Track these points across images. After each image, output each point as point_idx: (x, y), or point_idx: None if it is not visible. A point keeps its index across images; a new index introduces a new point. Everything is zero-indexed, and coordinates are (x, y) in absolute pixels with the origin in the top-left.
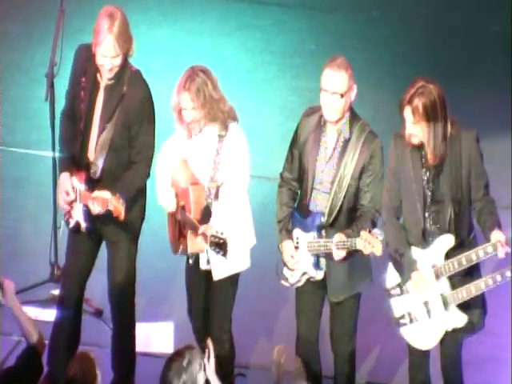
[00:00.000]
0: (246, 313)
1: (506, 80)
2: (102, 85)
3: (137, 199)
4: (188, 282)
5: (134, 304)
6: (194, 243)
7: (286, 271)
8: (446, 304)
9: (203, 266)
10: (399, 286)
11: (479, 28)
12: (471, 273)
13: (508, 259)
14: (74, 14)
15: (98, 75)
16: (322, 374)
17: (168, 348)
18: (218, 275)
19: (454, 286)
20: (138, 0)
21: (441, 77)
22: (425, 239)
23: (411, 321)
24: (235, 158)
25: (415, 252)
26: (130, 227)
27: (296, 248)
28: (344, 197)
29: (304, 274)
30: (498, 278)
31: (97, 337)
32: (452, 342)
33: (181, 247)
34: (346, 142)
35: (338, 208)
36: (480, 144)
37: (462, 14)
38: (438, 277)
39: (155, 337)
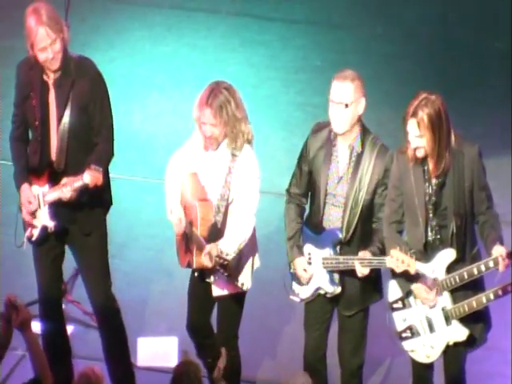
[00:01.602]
0: (251, 329)
1: (508, 97)
2: (51, 82)
3: (102, 186)
4: (191, 294)
5: (117, 308)
6: (200, 260)
7: (295, 286)
8: (447, 318)
9: (208, 278)
10: (401, 299)
11: (483, 45)
12: (474, 287)
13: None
14: (79, 29)
15: (45, 76)
16: None
17: (172, 363)
18: (217, 292)
19: (455, 300)
20: (143, 16)
21: (444, 94)
22: (427, 253)
23: (413, 335)
24: (247, 179)
25: (417, 266)
26: (97, 218)
27: (309, 264)
28: (360, 212)
29: (318, 289)
30: (500, 292)
31: (99, 350)
32: (454, 356)
33: (187, 261)
34: (359, 156)
35: (354, 224)
36: (483, 161)
37: (465, 30)
38: (439, 291)
39: (159, 351)
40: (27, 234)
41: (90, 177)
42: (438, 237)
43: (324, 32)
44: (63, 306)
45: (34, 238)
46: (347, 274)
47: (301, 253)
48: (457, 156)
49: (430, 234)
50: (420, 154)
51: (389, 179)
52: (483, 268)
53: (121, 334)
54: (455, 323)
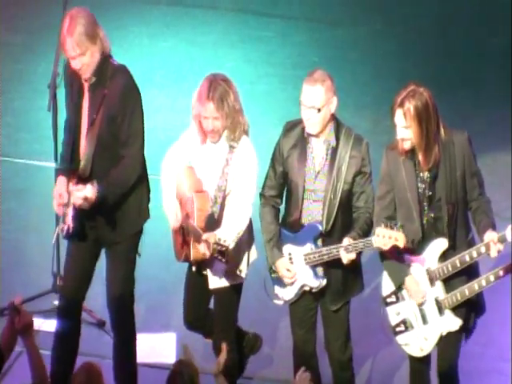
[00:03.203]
0: (248, 324)
1: (507, 94)
2: (86, 86)
3: (131, 196)
4: (187, 288)
5: (133, 312)
6: (197, 251)
7: (278, 290)
8: (440, 309)
9: (204, 271)
10: (394, 293)
11: (481, 42)
12: (469, 275)
13: (506, 260)
14: None
15: (83, 79)
16: None
17: (170, 359)
18: (214, 284)
19: (449, 290)
20: (141, 12)
21: (442, 90)
22: (424, 246)
23: (407, 328)
24: (244, 171)
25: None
26: (127, 227)
27: (290, 264)
28: (339, 203)
29: (303, 287)
30: (491, 278)
31: (99, 347)
32: (448, 346)
33: (184, 254)
34: (335, 149)
35: (334, 215)
36: (482, 157)
37: (464, 27)
38: (432, 281)
39: (157, 348)
40: (59, 227)
41: (91, 190)
42: (434, 229)
43: (322, 29)
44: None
45: (63, 233)
46: (330, 267)
47: (281, 254)
48: (447, 146)
49: (426, 227)
50: (407, 145)
51: (366, 168)
52: (475, 254)
53: (133, 335)
54: (448, 313)
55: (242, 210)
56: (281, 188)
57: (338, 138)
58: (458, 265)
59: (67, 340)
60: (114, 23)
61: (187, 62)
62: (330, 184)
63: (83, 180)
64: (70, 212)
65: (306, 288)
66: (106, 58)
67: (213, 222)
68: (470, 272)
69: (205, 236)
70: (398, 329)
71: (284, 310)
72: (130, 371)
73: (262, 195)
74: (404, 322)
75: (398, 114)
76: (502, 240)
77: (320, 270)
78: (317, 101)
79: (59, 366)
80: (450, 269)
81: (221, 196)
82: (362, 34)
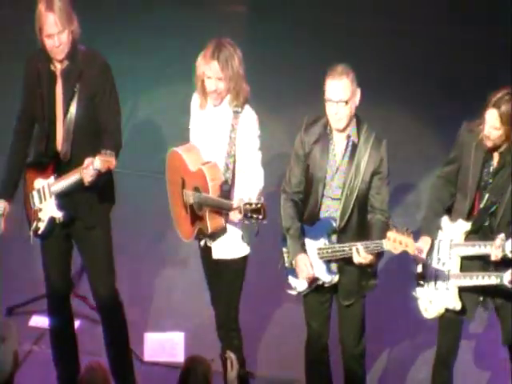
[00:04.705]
0: (252, 321)
1: None
2: (58, 72)
3: (105, 182)
4: (204, 268)
5: (121, 305)
6: (215, 221)
7: (292, 280)
8: (448, 282)
9: (210, 243)
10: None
11: (491, 41)
12: (490, 265)
13: None
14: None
15: (52, 66)
16: (332, 382)
17: (179, 358)
18: (217, 254)
19: (463, 269)
20: (149, 9)
21: (452, 89)
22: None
23: (424, 283)
24: (250, 137)
25: (443, 220)
26: (100, 213)
27: None
28: (355, 200)
29: (315, 280)
30: (493, 278)
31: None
32: (448, 323)
33: (195, 230)
34: (355, 146)
35: (349, 212)
36: None
37: (473, 27)
38: (451, 253)
39: (166, 346)
40: (33, 227)
41: (100, 162)
42: (485, 220)
43: (332, 27)
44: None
45: (40, 232)
46: (344, 263)
47: (302, 249)
48: None
49: (478, 216)
50: (489, 144)
51: (383, 168)
52: (482, 248)
53: (122, 329)
54: (453, 290)
55: (256, 173)
56: (302, 183)
57: (359, 135)
58: (470, 250)
59: (64, 337)
60: (123, 20)
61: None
62: (347, 181)
63: (62, 165)
64: (51, 204)
65: (319, 282)
66: (75, 42)
67: (227, 189)
68: (494, 265)
69: (236, 203)
70: (418, 280)
71: (288, 307)
72: (125, 368)
73: (283, 191)
74: (423, 276)
75: (492, 113)
76: (502, 248)
77: (334, 266)
78: (344, 94)
79: (63, 366)
80: (464, 250)
81: (231, 162)
82: (370, 33)
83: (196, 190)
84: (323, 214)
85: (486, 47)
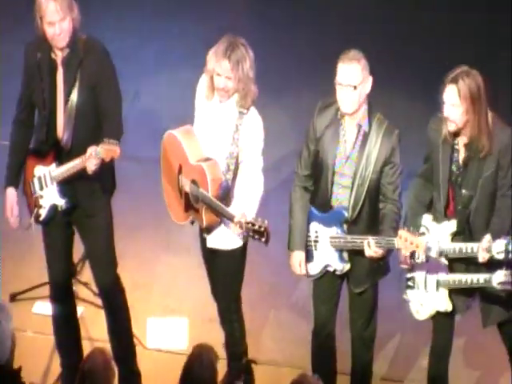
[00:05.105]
0: (255, 308)
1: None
2: (59, 61)
3: (106, 170)
4: (203, 258)
5: (122, 289)
6: (210, 217)
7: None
8: (438, 284)
9: (207, 234)
10: (412, 253)
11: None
12: (479, 267)
13: None
14: (88, 6)
15: (53, 54)
16: (337, 369)
17: (181, 344)
18: (211, 243)
19: (453, 271)
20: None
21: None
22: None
23: (414, 286)
24: (253, 139)
25: (429, 221)
26: (101, 200)
27: (315, 242)
28: (366, 191)
29: (326, 266)
30: (481, 280)
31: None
32: (441, 324)
33: (189, 218)
34: (366, 135)
35: (361, 202)
36: None
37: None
38: (440, 255)
39: (169, 332)
40: (34, 214)
41: (103, 150)
42: (462, 213)
43: (336, 12)
44: (73, 288)
45: (41, 219)
46: (356, 252)
47: (301, 246)
48: (486, 140)
49: (455, 211)
50: (451, 128)
51: (395, 158)
52: (469, 250)
53: (124, 315)
54: (443, 292)
55: (256, 180)
56: (313, 168)
57: (370, 124)
58: (457, 251)
59: (67, 323)
60: (126, 4)
61: (201, 43)
62: (358, 171)
63: (63, 153)
64: (52, 191)
65: (330, 269)
66: (76, 30)
67: (227, 190)
68: (483, 265)
69: (237, 217)
70: (408, 282)
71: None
72: (127, 354)
73: (296, 174)
74: (413, 279)
75: (450, 89)
76: (488, 250)
77: (346, 254)
78: (353, 79)
79: (66, 352)
80: (452, 252)
81: (234, 163)
82: (374, 20)
83: (194, 182)
84: (334, 202)
85: (487, 33)
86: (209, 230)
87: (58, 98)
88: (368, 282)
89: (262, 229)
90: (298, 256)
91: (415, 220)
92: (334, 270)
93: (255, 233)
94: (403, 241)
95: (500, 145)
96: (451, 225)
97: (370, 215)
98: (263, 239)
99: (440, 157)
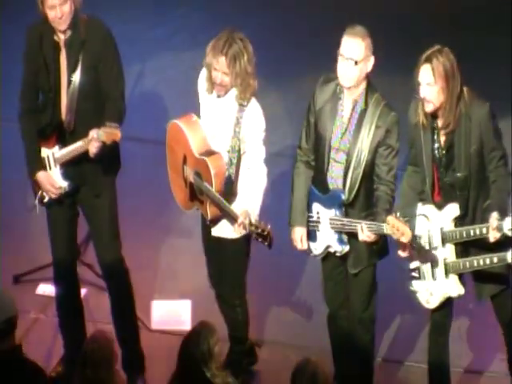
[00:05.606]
0: (258, 288)
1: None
2: (61, 43)
3: (111, 150)
4: (204, 244)
5: (126, 269)
6: (215, 210)
7: (310, 243)
8: (446, 271)
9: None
10: (416, 241)
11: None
12: (487, 249)
13: None
14: None
15: (55, 37)
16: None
17: (185, 326)
18: (216, 232)
19: (460, 255)
20: None
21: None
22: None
23: (419, 277)
24: (255, 131)
25: (428, 209)
26: (107, 179)
27: (317, 222)
28: (362, 174)
29: (328, 247)
30: (495, 259)
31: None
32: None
33: (193, 207)
34: (362, 113)
35: (357, 185)
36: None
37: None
38: (444, 242)
39: (173, 314)
40: (38, 196)
41: (105, 134)
42: (450, 194)
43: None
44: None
45: (45, 200)
46: (353, 234)
47: (302, 221)
48: (465, 118)
49: (443, 191)
50: (429, 108)
51: (390, 140)
52: (478, 231)
53: (128, 295)
54: (453, 278)
55: (259, 173)
56: (314, 140)
57: (367, 103)
58: (465, 235)
59: (70, 304)
60: None
61: (203, 28)
62: (354, 150)
63: (66, 135)
64: (57, 173)
65: (331, 250)
66: (77, 11)
67: (230, 184)
68: (489, 246)
69: (240, 219)
70: (413, 273)
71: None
72: (131, 335)
73: (298, 147)
74: (419, 269)
75: (425, 69)
76: (499, 229)
77: (345, 236)
78: (355, 53)
79: (70, 333)
80: (458, 236)
81: (236, 157)
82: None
83: (198, 175)
84: (329, 179)
85: (486, 16)
86: (213, 221)
87: (61, 79)
88: (364, 263)
89: (265, 233)
90: (299, 232)
91: (408, 206)
92: (335, 252)
93: (258, 235)
94: (391, 227)
95: (479, 120)
96: (453, 209)
97: (366, 198)
98: (266, 243)
99: (422, 139)
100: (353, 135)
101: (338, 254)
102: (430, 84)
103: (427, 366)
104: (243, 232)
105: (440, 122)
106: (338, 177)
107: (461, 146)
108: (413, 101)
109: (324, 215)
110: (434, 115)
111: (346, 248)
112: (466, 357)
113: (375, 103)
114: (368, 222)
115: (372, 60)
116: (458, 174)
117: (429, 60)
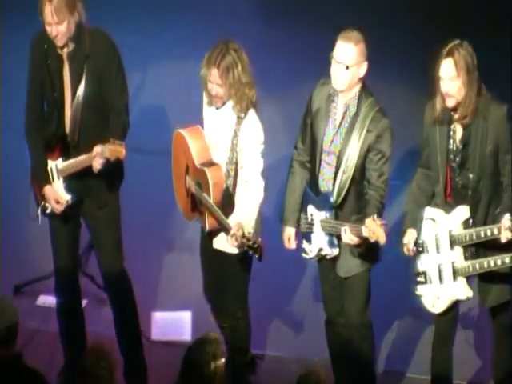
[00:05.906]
0: (261, 301)
1: None
2: (65, 56)
3: (115, 163)
4: (202, 256)
5: (129, 284)
6: (213, 221)
7: (305, 244)
8: (455, 274)
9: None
10: (422, 243)
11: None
12: (496, 250)
13: None
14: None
15: (58, 48)
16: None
17: (185, 337)
18: (217, 244)
19: (469, 258)
20: None
21: None
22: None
23: (425, 281)
24: (252, 143)
25: (436, 213)
26: (110, 191)
27: (311, 224)
28: (352, 176)
29: (320, 249)
30: (507, 260)
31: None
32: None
33: (194, 218)
34: (354, 117)
35: (346, 189)
36: None
37: None
38: (452, 244)
39: (173, 326)
40: (41, 207)
41: (109, 150)
42: (462, 195)
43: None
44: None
45: (48, 211)
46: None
47: (293, 222)
48: (481, 119)
49: (455, 191)
50: (451, 103)
51: (381, 145)
52: (489, 233)
53: (131, 307)
54: (461, 281)
55: (256, 186)
56: (309, 141)
57: (359, 107)
58: (475, 237)
59: (71, 315)
60: None
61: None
62: (344, 154)
63: (70, 148)
64: (59, 186)
65: (323, 252)
66: (80, 23)
67: (228, 196)
68: (498, 248)
69: (233, 230)
70: (418, 278)
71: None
72: (134, 347)
73: (295, 148)
74: (424, 273)
75: (447, 63)
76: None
77: (335, 239)
78: (346, 58)
79: (70, 344)
80: (468, 239)
81: (233, 168)
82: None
83: (198, 185)
84: (320, 180)
85: (487, 16)
86: (212, 233)
87: (65, 92)
88: (356, 268)
89: (256, 245)
90: (288, 231)
91: (419, 212)
92: (325, 255)
93: (249, 248)
94: (368, 230)
95: (496, 121)
96: (463, 212)
97: (357, 201)
98: (257, 255)
99: (438, 136)
100: (343, 138)
101: (328, 257)
102: (453, 78)
103: (430, 378)
104: (235, 243)
105: (457, 115)
106: (329, 179)
107: (476, 145)
108: (428, 103)
109: (316, 217)
110: (452, 109)
111: (336, 251)
112: (468, 369)
113: (368, 107)
114: (351, 225)
115: (365, 66)
116: (472, 175)
117: (451, 54)
